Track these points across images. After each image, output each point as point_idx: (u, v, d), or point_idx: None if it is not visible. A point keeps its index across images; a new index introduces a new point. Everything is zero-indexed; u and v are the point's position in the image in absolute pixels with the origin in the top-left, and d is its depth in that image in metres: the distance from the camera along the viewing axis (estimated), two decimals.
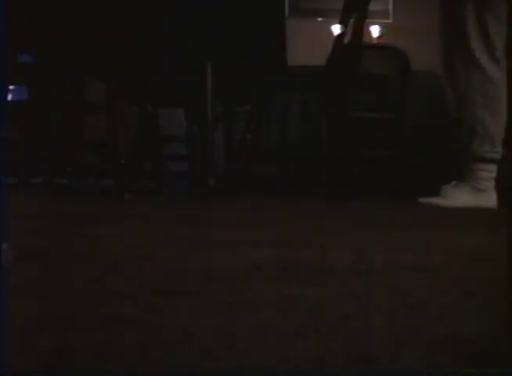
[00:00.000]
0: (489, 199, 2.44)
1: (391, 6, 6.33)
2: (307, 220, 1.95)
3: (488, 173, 2.48)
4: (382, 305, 0.77)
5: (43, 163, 3.97)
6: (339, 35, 3.27)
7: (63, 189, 3.50)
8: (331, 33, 5.00)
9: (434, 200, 2.51)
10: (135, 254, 1.11)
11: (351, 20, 3.13)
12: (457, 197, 2.47)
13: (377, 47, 4.55)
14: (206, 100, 2.77)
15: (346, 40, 3.15)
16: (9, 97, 4.29)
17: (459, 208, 2.39)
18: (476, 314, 0.75)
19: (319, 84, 3.25)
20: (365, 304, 0.78)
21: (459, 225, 1.92)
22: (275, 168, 4.76)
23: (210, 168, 2.75)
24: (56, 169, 4.18)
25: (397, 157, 3.69)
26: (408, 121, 4.50)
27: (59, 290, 0.83)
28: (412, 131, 4.38)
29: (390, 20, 6.24)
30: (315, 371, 0.55)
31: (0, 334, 0.60)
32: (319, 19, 5.78)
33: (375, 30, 5.77)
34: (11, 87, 4.35)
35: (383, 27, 5.84)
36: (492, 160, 2.48)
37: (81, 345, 0.59)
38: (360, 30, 3.14)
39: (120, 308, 0.72)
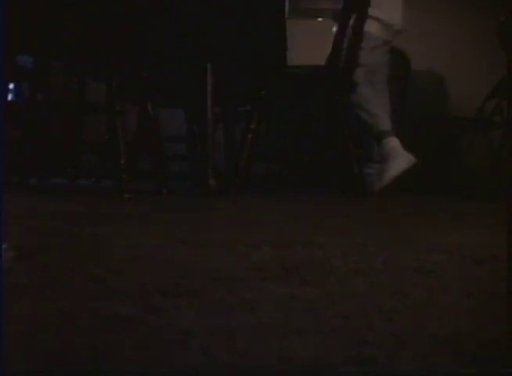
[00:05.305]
0: (405, 160, 3.09)
1: None
2: (307, 220, 1.95)
3: (393, 143, 3.15)
4: (382, 305, 0.77)
5: (43, 163, 3.96)
6: (339, 35, 3.26)
7: (63, 189, 3.50)
8: (331, 33, 4.99)
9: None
10: (135, 254, 1.11)
11: (351, 20, 3.13)
12: (388, 172, 3.10)
13: None
14: (206, 100, 2.77)
15: (346, 40, 3.15)
16: (9, 97, 4.30)
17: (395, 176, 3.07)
18: (476, 314, 0.74)
19: (318, 85, 3.24)
20: (365, 304, 0.78)
21: (458, 225, 1.92)
22: (275, 167, 4.76)
23: (210, 168, 2.75)
24: (56, 169, 4.18)
25: None
26: (409, 120, 4.50)
27: (59, 290, 0.83)
28: (412, 130, 4.38)
29: None
30: (315, 371, 0.55)
31: (0, 334, 0.60)
32: (319, 19, 5.77)
33: None
34: (11, 87, 4.36)
35: None
36: (389, 133, 3.16)
37: (81, 345, 0.59)
38: (360, 30, 3.14)
39: (121, 308, 0.72)
